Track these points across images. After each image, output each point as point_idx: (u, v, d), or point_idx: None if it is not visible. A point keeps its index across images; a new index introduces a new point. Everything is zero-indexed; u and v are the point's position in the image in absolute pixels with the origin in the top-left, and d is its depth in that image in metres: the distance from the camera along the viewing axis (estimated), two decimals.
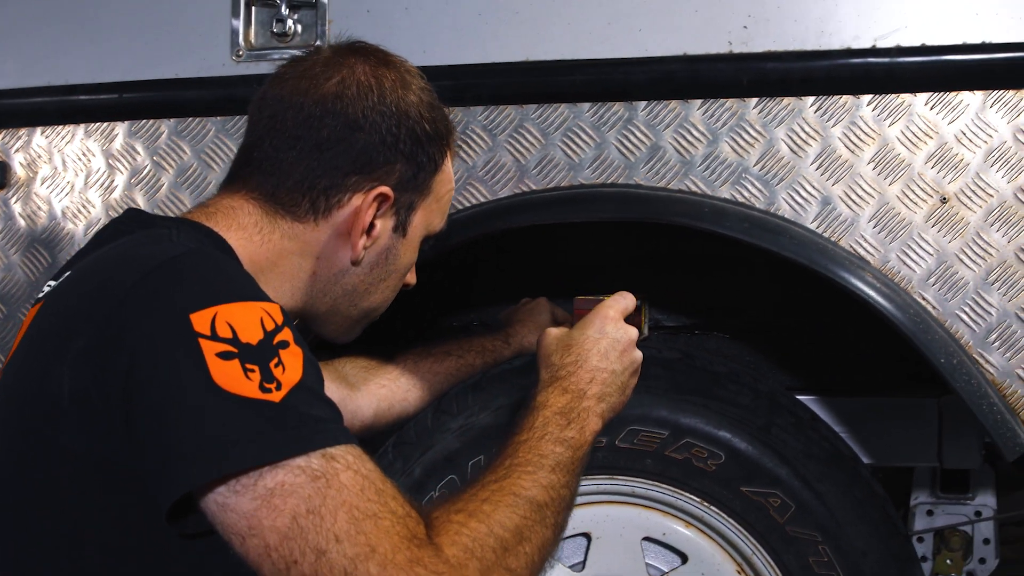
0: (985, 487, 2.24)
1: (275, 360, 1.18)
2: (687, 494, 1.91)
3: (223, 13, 1.95)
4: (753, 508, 1.88)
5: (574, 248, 2.17)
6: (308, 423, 1.17)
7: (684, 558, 1.99)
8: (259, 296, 1.25)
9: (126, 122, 2.01)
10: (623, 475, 1.93)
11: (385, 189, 1.49)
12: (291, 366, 1.19)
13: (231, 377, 1.14)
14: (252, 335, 1.18)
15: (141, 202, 1.99)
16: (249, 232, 1.46)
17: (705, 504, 1.91)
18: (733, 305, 2.20)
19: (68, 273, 1.36)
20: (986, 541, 2.23)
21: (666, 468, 1.90)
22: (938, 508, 2.24)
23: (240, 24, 1.94)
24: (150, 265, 1.22)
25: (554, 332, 1.58)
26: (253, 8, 1.94)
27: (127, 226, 1.43)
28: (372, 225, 1.50)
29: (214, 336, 1.16)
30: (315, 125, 1.46)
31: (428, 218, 1.58)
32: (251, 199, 1.47)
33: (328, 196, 1.47)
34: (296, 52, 1.90)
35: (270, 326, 1.20)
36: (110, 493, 1.19)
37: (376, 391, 1.92)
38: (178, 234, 1.37)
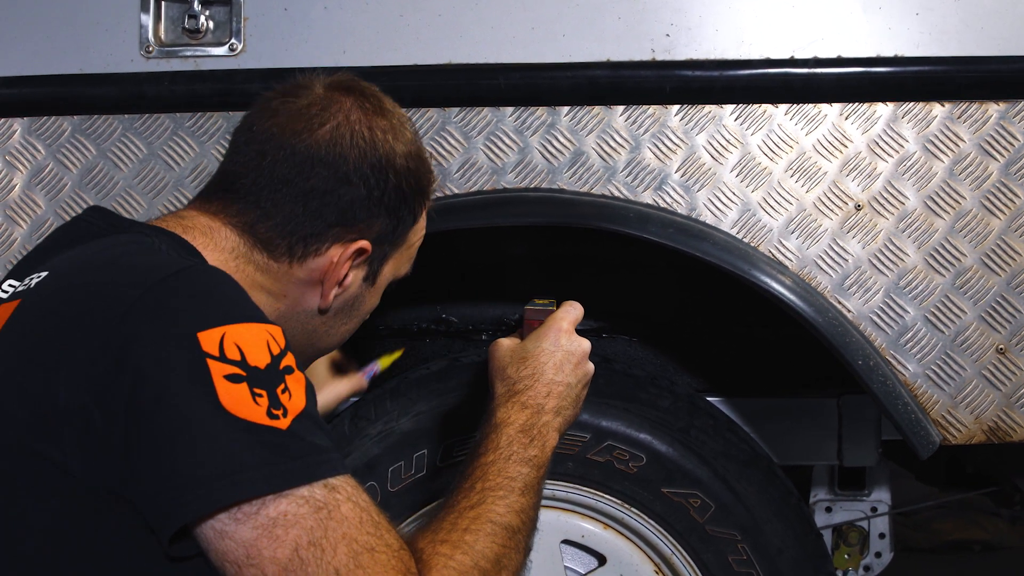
0: (881, 484, 2.31)
1: (282, 386, 1.16)
2: (608, 496, 1.93)
3: (131, 8, 1.88)
4: (674, 509, 1.90)
5: (474, 250, 2.16)
6: (312, 452, 1.15)
7: (602, 560, 2.01)
8: (263, 318, 1.23)
9: (25, 119, 1.92)
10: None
11: (365, 243, 1.46)
12: (296, 392, 1.17)
13: (239, 401, 1.12)
14: (260, 358, 1.16)
15: (42, 202, 1.91)
16: (225, 256, 1.42)
17: (625, 506, 1.93)
18: (638, 308, 2.23)
19: (44, 273, 1.28)
20: (881, 536, 2.31)
21: (588, 471, 1.91)
22: (836, 505, 2.31)
23: (149, 20, 1.87)
24: (152, 278, 1.18)
25: (506, 343, 1.56)
26: (163, 3, 1.88)
27: (99, 226, 1.38)
28: (345, 276, 1.48)
29: (222, 357, 1.13)
30: (305, 173, 1.42)
31: (398, 265, 1.56)
32: (229, 225, 1.43)
33: (307, 243, 1.44)
34: (209, 50, 1.87)
35: (276, 350, 1.18)
36: (98, 512, 1.13)
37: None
38: (161, 244, 1.33)
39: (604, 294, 2.22)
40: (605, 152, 1.83)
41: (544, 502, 1.94)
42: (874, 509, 2.30)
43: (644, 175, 1.82)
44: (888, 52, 1.79)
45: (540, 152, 1.83)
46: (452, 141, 1.84)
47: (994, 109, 1.79)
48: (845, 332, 1.79)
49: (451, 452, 1.90)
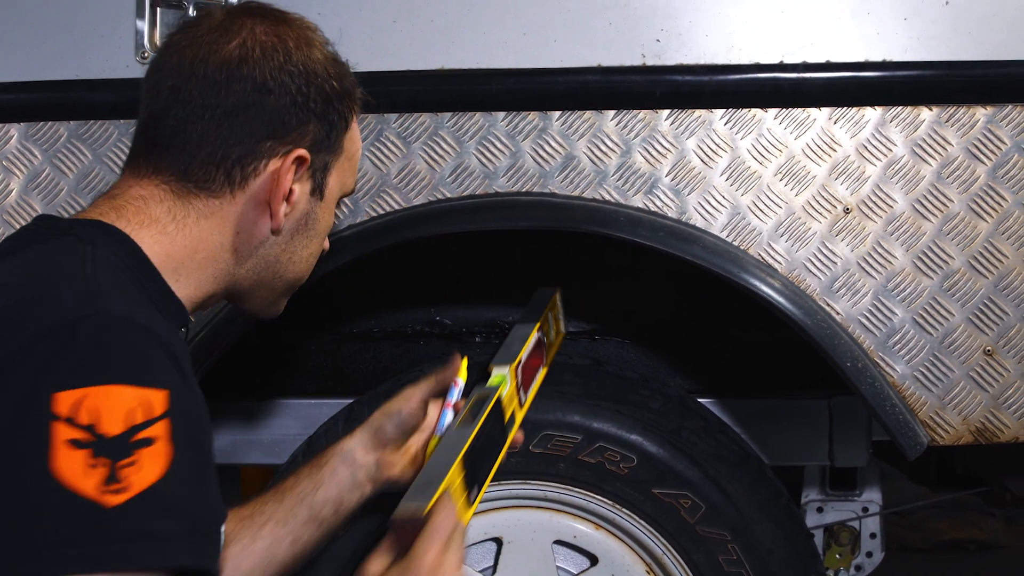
0: (871, 484, 2.33)
1: (129, 459, 1.05)
2: (599, 497, 1.95)
3: (127, 13, 1.90)
4: (664, 509, 1.92)
5: (469, 253, 2.18)
6: (141, 537, 1.05)
7: (594, 560, 2.03)
8: (152, 381, 1.11)
9: (22, 124, 1.94)
10: (536, 479, 1.96)
11: (302, 151, 1.42)
12: (149, 467, 1.07)
13: (72, 468, 1.03)
14: (113, 427, 1.06)
15: (39, 207, 1.93)
16: (163, 224, 1.38)
17: (616, 507, 1.95)
18: (630, 311, 2.24)
19: None
20: (873, 536, 2.33)
21: (579, 472, 1.93)
22: (827, 505, 2.33)
23: (145, 25, 1.89)
24: (49, 325, 1.11)
25: (374, 569, 1.26)
26: (158, 9, 1.90)
27: (39, 233, 1.34)
28: (291, 190, 1.43)
29: (71, 420, 1.05)
30: (222, 92, 1.38)
31: (342, 178, 1.53)
32: (162, 183, 1.39)
33: (243, 165, 1.40)
34: None
35: (138, 419, 1.07)
36: None
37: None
38: (93, 252, 1.26)
39: (598, 297, 2.25)
40: (596, 156, 1.84)
41: (536, 503, 2.00)
42: (865, 509, 2.32)
43: (635, 179, 1.84)
44: (876, 57, 1.81)
45: (532, 156, 1.85)
46: (445, 146, 1.86)
47: (981, 113, 1.80)
48: (834, 334, 1.81)
49: None
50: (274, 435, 2.24)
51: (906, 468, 2.58)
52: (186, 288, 1.40)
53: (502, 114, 1.85)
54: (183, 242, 1.39)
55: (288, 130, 1.41)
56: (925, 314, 1.82)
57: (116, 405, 1.06)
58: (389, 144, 1.86)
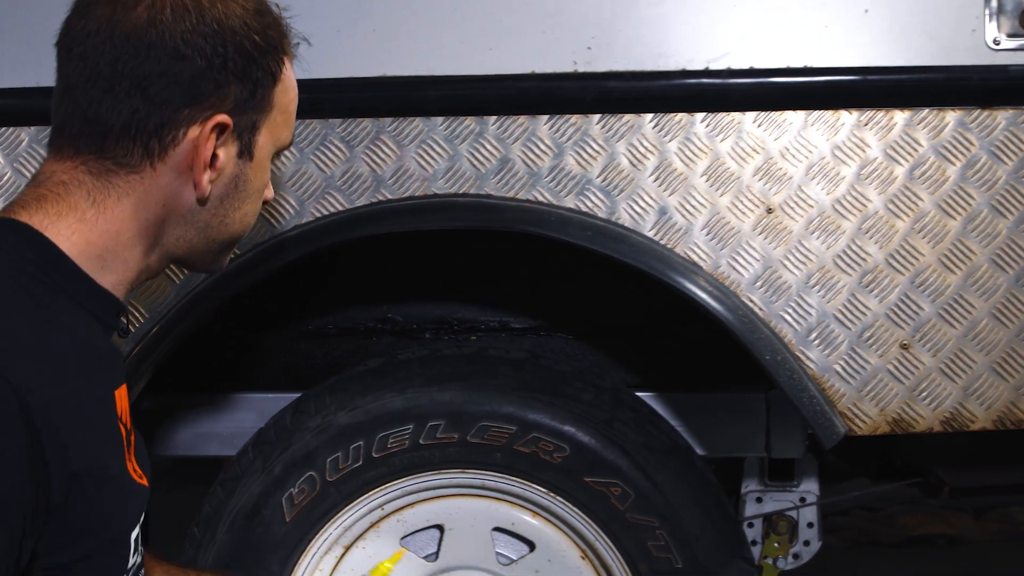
0: (809, 475, 2.41)
1: None
2: (534, 485, 2.03)
3: None
4: (596, 497, 2.00)
5: (429, 255, 2.27)
6: None
7: (532, 546, 2.11)
8: None
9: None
10: (474, 469, 2.04)
11: (222, 117, 1.35)
12: None
13: None
14: None
15: None
16: (82, 211, 1.33)
17: (551, 495, 2.03)
18: (576, 308, 2.33)
19: None
20: (810, 525, 2.41)
21: (514, 461, 2.01)
22: (766, 495, 2.41)
23: None
24: None
25: None
26: None
27: None
28: (215, 156, 1.36)
29: None
30: (132, 61, 1.30)
31: (275, 133, 1.44)
32: (81, 164, 1.34)
33: (161, 136, 1.33)
34: None
35: None
36: None
37: None
38: None
39: (545, 295, 2.34)
40: (530, 159, 1.92)
41: (475, 491, 2.08)
42: (803, 499, 2.40)
43: (567, 181, 1.92)
44: (798, 63, 1.89)
45: (468, 160, 1.93)
46: (386, 149, 1.94)
47: (900, 116, 1.89)
48: (754, 328, 1.89)
49: (385, 443, 2.00)
50: (231, 428, 2.32)
51: (848, 460, 2.66)
52: (115, 273, 1.36)
53: (440, 119, 1.93)
54: (104, 227, 1.34)
55: (206, 96, 1.34)
56: (844, 309, 1.90)
57: None
58: (333, 148, 1.94)
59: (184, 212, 1.39)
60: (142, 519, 1.40)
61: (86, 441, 1.22)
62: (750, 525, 2.41)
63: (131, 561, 1.36)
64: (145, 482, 1.41)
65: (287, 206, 1.94)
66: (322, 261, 2.27)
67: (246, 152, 1.41)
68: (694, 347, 2.31)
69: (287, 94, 1.46)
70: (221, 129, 1.36)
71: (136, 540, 1.38)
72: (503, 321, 2.34)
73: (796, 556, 2.42)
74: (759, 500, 2.41)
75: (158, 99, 1.32)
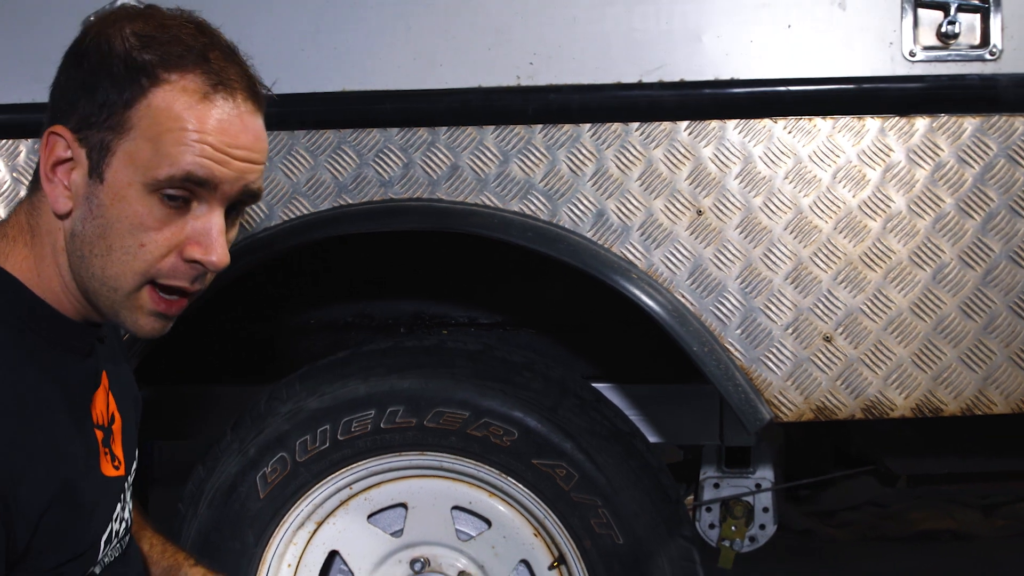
0: (764, 463, 2.55)
1: None
2: (487, 467, 2.19)
3: None
4: (543, 478, 2.16)
5: (404, 256, 2.44)
6: None
7: (489, 523, 2.27)
8: None
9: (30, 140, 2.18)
10: (432, 451, 2.20)
11: (56, 127, 1.37)
12: None
13: None
14: None
15: None
16: (20, 235, 1.44)
17: (503, 475, 2.18)
18: (541, 306, 2.49)
19: None
20: (765, 510, 2.54)
21: (468, 444, 2.17)
22: (724, 481, 2.55)
23: None
24: None
25: None
26: None
27: None
28: (62, 169, 1.38)
29: None
30: None
31: (137, 162, 1.36)
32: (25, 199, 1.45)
33: (38, 155, 1.41)
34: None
35: None
36: None
37: None
38: None
39: (512, 294, 2.50)
40: (478, 166, 2.08)
41: (433, 472, 2.25)
42: (758, 486, 2.53)
43: (512, 186, 2.08)
44: (726, 75, 2.03)
45: (422, 167, 2.10)
46: (346, 159, 2.11)
47: (822, 124, 2.02)
48: (684, 322, 2.03)
49: (350, 426, 2.17)
50: (219, 415, 2.50)
51: (804, 449, 2.79)
52: (62, 296, 1.44)
53: (396, 130, 2.10)
54: (31, 254, 1.42)
55: (57, 111, 1.39)
56: (770, 304, 2.04)
57: None
58: (298, 157, 2.12)
59: (55, 233, 1.41)
60: (125, 498, 1.60)
61: (47, 481, 1.36)
62: (708, 509, 2.55)
63: (103, 552, 1.52)
64: (122, 470, 1.58)
65: (257, 210, 2.12)
66: (303, 261, 2.46)
67: (95, 173, 1.37)
68: (653, 342, 2.44)
69: (158, 124, 1.36)
70: (56, 141, 1.38)
71: (112, 532, 1.55)
72: (472, 317, 2.51)
73: (752, 539, 2.55)
74: (716, 486, 2.55)
75: (47, 109, 1.42)
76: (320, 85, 2.10)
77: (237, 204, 1.46)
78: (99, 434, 1.54)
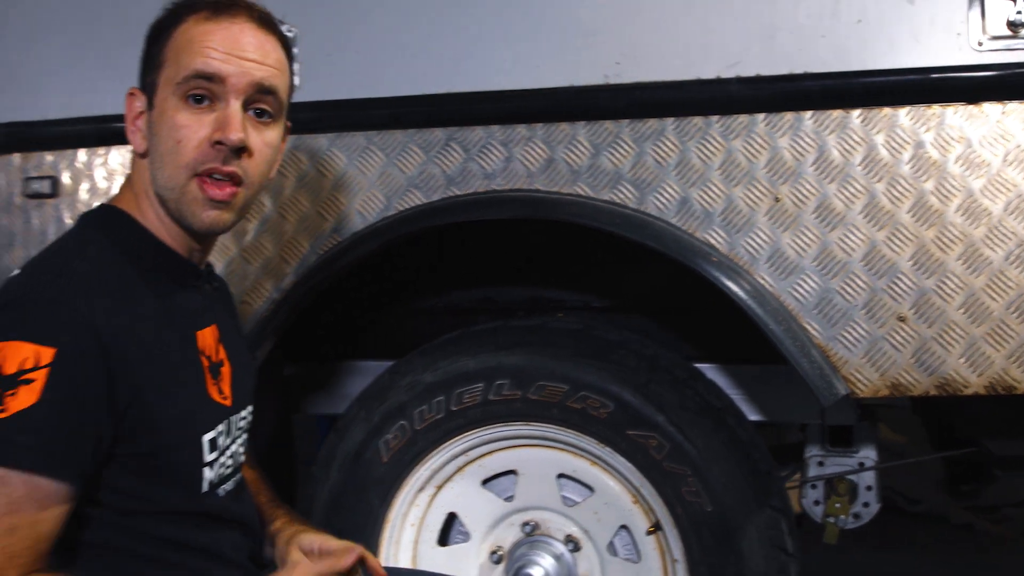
0: (867, 442, 2.64)
1: (12, 390, 1.50)
2: (587, 437, 2.37)
3: None
4: (637, 448, 2.32)
5: (525, 245, 2.65)
6: (5, 443, 1.50)
7: (592, 490, 2.45)
8: (45, 340, 1.53)
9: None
10: (536, 422, 2.39)
11: (131, 89, 1.76)
12: (21, 398, 1.50)
13: None
14: (10, 368, 1.51)
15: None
16: (129, 185, 1.79)
17: (601, 445, 2.35)
18: (652, 292, 2.65)
19: None
20: (869, 488, 2.63)
21: (568, 416, 2.36)
22: (827, 459, 2.65)
23: None
24: (7, 298, 1.60)
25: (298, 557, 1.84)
26: None
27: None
28: (139, 120, 1.75)
29: None
30: None
31: (168, 78, 1.70)
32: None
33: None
34: None
35: (28, 365, 1.51)
36: None
37: None
38: (92, 231, 1.72)
39: (626, 280, 2.67)
40: (571, 159, 2.26)
41: (539, 441, 2.45)
42: (861, 464, 2.62)
43: (602, 177, 2.25)
44: (799, 69, 2.16)
45: (521, 160, 2.29)
46: (454, 154, 2.32)
47: (892, 113, 2.12)
48: (763, 302, 2.16)
49: (461, 398, 2.39)
50: (355, 390, 2.74)
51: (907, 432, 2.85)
52: (161, 228, 1.75)
53: (497, 127, 2.29)
54: (136, 191, 1.76)
55: (141, 77, 1.77)
56: (846, 285, 2.15)
57: (16, 354, 1.52)
58: (412, 153, 2.33)
59: (144, 167, 1.75)
60: (231, 431, 1.85)
61: (151, 360, 1.65)
62: (813, 486, 2.65)
63: (208, 458, 1.77)
64: (228, 403, 1.84)
65: (375, 201, 2.36)
66: (429, 250, 2.69)
67: (149, 106, 1.74)
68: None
69: (177, 47, 1.71)
70: (133, 97, 1.76)
71: (215, 444, 1.79)
72: (585, 301, 2.69)
73: (856, 516, 2.64)
74: (820, 464, 2.65)
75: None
76: (430, 88, 2.32)
77: (258, 103, 1.74)
78: (204, 361, 1.80)
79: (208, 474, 1.77)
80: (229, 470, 1.85)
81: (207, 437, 1.77)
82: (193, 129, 1.69)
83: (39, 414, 1.51)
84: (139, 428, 1.64)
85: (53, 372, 1.52)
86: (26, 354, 1.51)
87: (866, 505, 2.64)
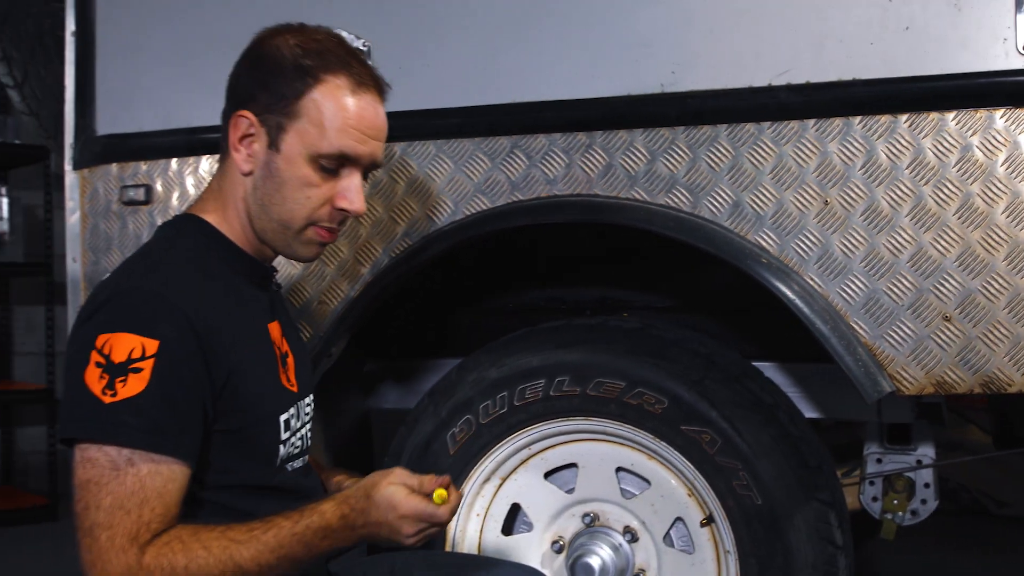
0: (925, 440, 2.69)
1: (122, 377, 1.67)
2: (643, 432, 2.46)
3: None
4: (691, 443, 2.41)
5: (592, 247, 2.76)
6: (118, 424, 1.66)
7: (649, 483, 2.54)
8: (151, 333, 1.70)
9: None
10: (595, 417, 2.50)
11: (244, 112, 1.86)
12: (132, 385, 1.67)
13: (92, 378, 1.68)
14: (119, 357, 1.67)
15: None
16: (213, 195, 1.95)
17: (657, 440, 2.45)
18: (711, 293, 2.74)
19: None
20: (926, 485, 2.67)
21: (625, 411, 2.46)
22: (886, 457, 2.70)
23: None
24: (109, 294, 1.76)
25: (389, 484, 1.81)
26: None
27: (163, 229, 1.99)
28: (246, 140, 1.87)
29: (100, 351, 1.69)
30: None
31: (307, 140, 1.84)
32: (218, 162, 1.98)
33: (224, 123, 1.92)
34: None
35: (136, 355, 1.68)
36: None
37: None
38: (175, 236, 1.91)
39: (683, 279, 2.76)
40: (628, 165, 2.36)
41: (598, 436, 2.56)
42: (919, 462, 2.67)
43: (659, 182, 2.34)
44: (847, 76, 2.23)
45: (581, 167, 2.40)
46: (518, 161, 2.43)
47: (939, 118, 2.18)
48: (810, 302, 2.24)
49: (524, 393, 2.51)
50: (429, 386, 2.88)
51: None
52: (242, 236, 1.93)
53: (559, 134, 2.41)
54: (222, 206, 1.93)
55: (241, 100, 1.89)
56: (892, 286, 2.22)
57: (125, 345, 1.69)
58: (478, 160, 2.46)
59: (238, 184, 1.91)
60: (299, 415, 2.02)
61: (236, 348, 1.83)
62: (871, 483, 2.71)
63: (283, 436, 1.94)
64: (296, 389, 2.02)
65: (444, 206, 2.48)
66: (502, 252, 2.81)
67: (273, 145, 1.86)
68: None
69: (319, 111, 1.84)
70: (243, 120, 1.87)
71: (288, 425, 1.96)
72: (649, 302, 2.79)
73: (914, 513, 2.69)
74: (879, 461, 2.70)
75: (226, 104, 1.94)
76: (495, 98, 2.45)
77: (366, 170, 1.95)
78: (276, 351, 1.99)
79: (282, 451, 1.95)
80: (298, 450, 2.03)
81: (283, 417, 1.95)
82: (322, 191, 1.88)
83: (149, 400, 1.68)
84: (230, 408, 1.82)
85: (158, 362, 1.69)
86: (133, 344, 1.68)
87: (924, 502, 2.69)
